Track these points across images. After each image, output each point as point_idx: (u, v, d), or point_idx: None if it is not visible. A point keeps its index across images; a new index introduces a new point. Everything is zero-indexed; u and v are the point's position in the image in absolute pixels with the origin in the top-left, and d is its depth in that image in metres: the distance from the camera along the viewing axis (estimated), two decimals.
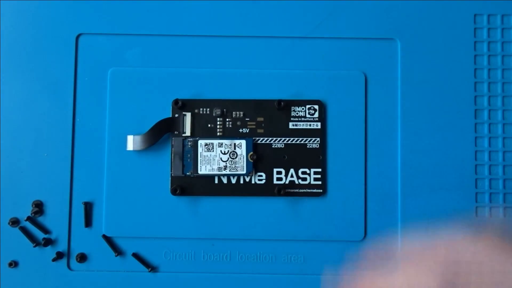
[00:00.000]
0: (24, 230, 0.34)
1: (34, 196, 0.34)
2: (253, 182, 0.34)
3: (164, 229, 0.34)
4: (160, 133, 0.34)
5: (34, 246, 0.34)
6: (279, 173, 0.34)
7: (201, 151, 0.34)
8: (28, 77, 0.35)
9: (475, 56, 0.35)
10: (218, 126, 0.34)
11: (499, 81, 0.35)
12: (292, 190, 0.34)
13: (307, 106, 0.34)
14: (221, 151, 0.34)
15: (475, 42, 0.35)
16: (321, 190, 0.34)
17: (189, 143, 0.34)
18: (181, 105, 0.34)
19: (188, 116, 0.34)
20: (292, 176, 0.34)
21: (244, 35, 0.35)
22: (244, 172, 0.34)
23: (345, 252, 0.34)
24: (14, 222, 0.34)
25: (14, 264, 0.34)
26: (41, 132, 0.34)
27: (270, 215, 0.34)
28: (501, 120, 0.35)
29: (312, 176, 0.34)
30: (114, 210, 0.34)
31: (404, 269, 0.25)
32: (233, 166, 0.34)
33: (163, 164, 0.34)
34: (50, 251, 0.34)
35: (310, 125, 0.34)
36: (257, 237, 0.34)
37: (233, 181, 0.34)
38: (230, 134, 0.34)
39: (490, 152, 0.35)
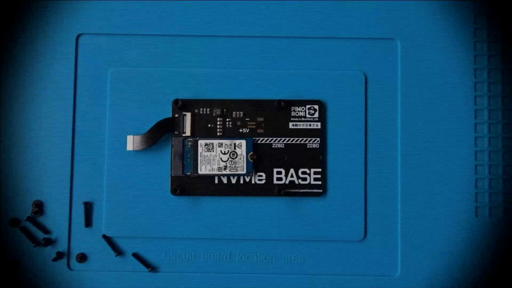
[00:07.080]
0: (24, 230, 0.34)
1: (34, 196, 0.34)
2: (253, 182, 0.34)
3: (164, 229, 0.34)
4: (160, 133, 0.34)
5: (34, 246, 0.34)
6: (279, 173, 0.34)
7: (201, 151, 0.34)
8: (28, 77, 0.35)
9: (475, 56, 0.35)
10: (218, 126, 0.34)
11: (499, 81, 0.35)
12: (292, 190, 0.34)
13: (307, 106, 0.34)
14: (221, 151, 0.34)
15: (475, 42, 0.35)
16: (321, 190, 0.34)
17: (189, 143, 0.34)
18: (181, 105, 0.34)
19: (188, 116, 0.34)
20: (292, 176, 0.34)
21: (244, 35, 0.35)
22: (244, 172, 0.34)
23: (345, 252, 0.34)
24: (14, 222, 0.34)
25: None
26: (41, 132, 0.34)
27: (270, 215, 0.34)
28: (501, 120, 0.35)
29: (312, 176, 0.34)
30: (114, 210, 0.34)
31: None
32: (233, 166, 0.34)
33: (163, 164, 0.34)
34: (50, 251, 0.34)
35: (310, 125, 0.34)
36: (257, 237, 0.34)
37: (233, 181, 0.34)
38: (230, 134, 0.34)
39: (490, 152, 0.35)
